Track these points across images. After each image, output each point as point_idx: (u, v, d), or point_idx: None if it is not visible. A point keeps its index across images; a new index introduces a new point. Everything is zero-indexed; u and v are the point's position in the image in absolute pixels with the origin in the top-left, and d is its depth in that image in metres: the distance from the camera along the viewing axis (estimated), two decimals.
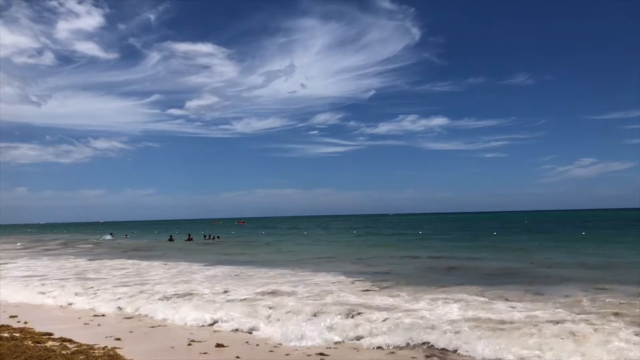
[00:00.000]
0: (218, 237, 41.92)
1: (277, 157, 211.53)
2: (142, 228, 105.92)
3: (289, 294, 11.99)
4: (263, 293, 12.22)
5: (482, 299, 10.91)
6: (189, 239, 39.32)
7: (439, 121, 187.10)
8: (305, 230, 58.38)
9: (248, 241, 38.88)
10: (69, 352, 7.46)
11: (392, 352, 7.73)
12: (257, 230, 69.77)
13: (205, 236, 41.89)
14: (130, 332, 9.17)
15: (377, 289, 12.98)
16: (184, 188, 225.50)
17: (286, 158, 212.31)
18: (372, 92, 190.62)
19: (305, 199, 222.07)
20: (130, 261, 23.46)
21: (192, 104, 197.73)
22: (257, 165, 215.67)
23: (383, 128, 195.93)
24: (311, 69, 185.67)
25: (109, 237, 55.36)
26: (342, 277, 15.27)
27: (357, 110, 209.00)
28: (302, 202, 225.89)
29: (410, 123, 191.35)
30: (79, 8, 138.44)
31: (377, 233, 44.64)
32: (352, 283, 13.93)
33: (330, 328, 8.76)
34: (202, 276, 16.44)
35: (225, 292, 12.76)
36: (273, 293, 12.18)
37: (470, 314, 9.38)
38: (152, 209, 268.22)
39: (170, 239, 41.25)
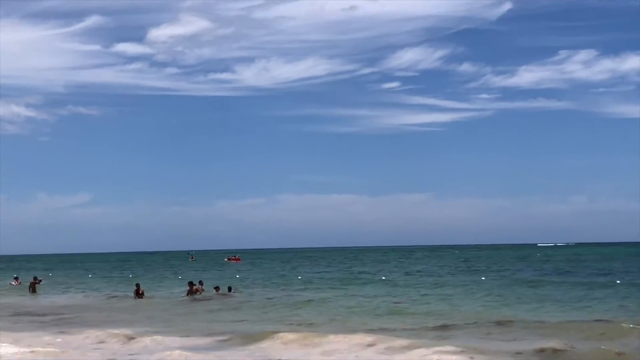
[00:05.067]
0: (229, 289, 42.34)
1: (321, 133, 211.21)
2: (66, 266, 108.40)
3: None
4: None
5: None
6: (192, 289, 40.85)
7: (639, 62, 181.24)
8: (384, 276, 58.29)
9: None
10: None
11: None
12: (279, 272, 70.92)
13: (219, 288, 42.95)
14: None
15: None
16: (145, 193, 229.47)
17: (339, 136, 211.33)
18: (507, 7, 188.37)
19: (375, 214, 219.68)
20: None
21: (161, 33, 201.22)
22: (283, 149, 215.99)
23: (528, 77, 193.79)
24: None
25: (13, 283, 57.21)
26: None
27: (477, 42, 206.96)
28: (370, 219, 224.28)
29: (580, 66, 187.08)
30: None
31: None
32: None
33: None
34: None
35: None
36: None
37: None
38: (87, 232, 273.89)
39: (139, 293, 41.51)
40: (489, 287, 42.63)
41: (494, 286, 43.59)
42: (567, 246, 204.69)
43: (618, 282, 44.14)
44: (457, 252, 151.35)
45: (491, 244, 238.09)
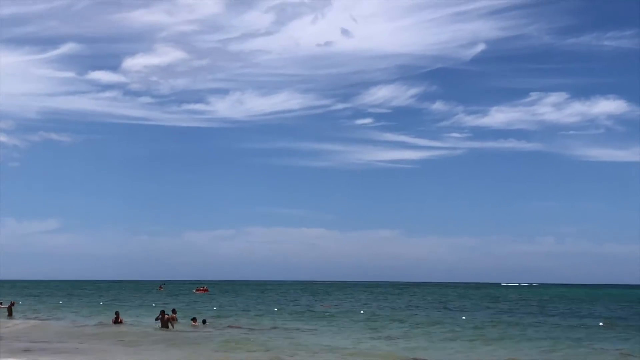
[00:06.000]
0: (204, 322, 41.53)
1: (293, 167, 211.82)
2: (35, 292, 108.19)
3: None
4: None
5: None
6: (164, 319, 39.88)
7: (608, 106, 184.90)
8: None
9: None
10: None
11: None
12: (251, 304, 70.53)
13: (196, 319, 42.25)
14: None
15: None
16: (114, 221, 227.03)
17: (310, 170, 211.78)
18: (480, 48, 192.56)
19: (344, 248, 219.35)
20: None
21: (136, 62, 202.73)
22: (254, 182, 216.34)
23: (499, 117, 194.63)
24: (362, 2, 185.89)
25: None
26: None
27: (450, 81, 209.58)
28: (339, 254, 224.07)
29: (551, 109, 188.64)
30: None
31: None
32: None
33: None
34: None
35: None
36: None
37: None
38: (55, 258, 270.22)
39: (117, 321, 40.93)
40: (426, 324, 43.02)
41: (428, 324, 43.82)
42: (530, 286, 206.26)
43: (555, 323, 45.25)
44: (426, 290, 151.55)
45: (456, 282, 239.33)
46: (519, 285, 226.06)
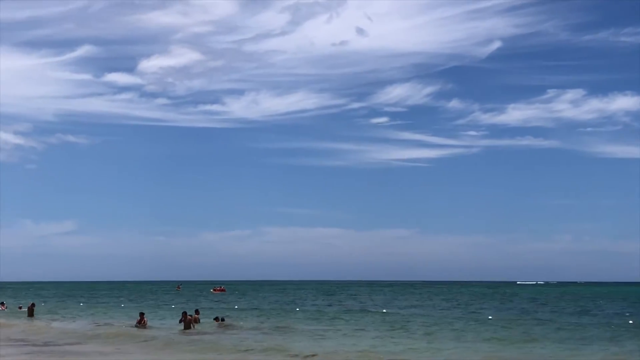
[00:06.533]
0: (222, 320, 41.63)
1: (309, 167, 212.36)
2: (53, 294, 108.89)
3: None
4: None
5: None
6: (187, 320, 39.69)
7: (626, 103, 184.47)
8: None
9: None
10: None
11: None
12: (271, 303, 70.13)
13: (219, 318, 42.43)
14: None
15: None
16: (130, 223, 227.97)
17: (326, 170, 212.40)
18: (497, 46, 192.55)
19: (360, 248, 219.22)
20: None
21: (151, 64, 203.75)
22: (269, 182, 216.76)
23: (515, 114, 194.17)
24: (377, 1, 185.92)
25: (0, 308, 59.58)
26: None
27: (466, 79, 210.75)
28: (355, 254, 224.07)
29: (569, 105, 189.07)
30: None
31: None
32: None
33: None
34: None
35: None
36: None
37: None
38: (72, 260, 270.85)
39: (141, 322, 40.59)
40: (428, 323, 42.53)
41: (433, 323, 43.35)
42: (546, 285, 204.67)
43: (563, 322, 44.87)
44: (441, 289, 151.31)
45: (471, 281, 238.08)
46: (536, 283, 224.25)
